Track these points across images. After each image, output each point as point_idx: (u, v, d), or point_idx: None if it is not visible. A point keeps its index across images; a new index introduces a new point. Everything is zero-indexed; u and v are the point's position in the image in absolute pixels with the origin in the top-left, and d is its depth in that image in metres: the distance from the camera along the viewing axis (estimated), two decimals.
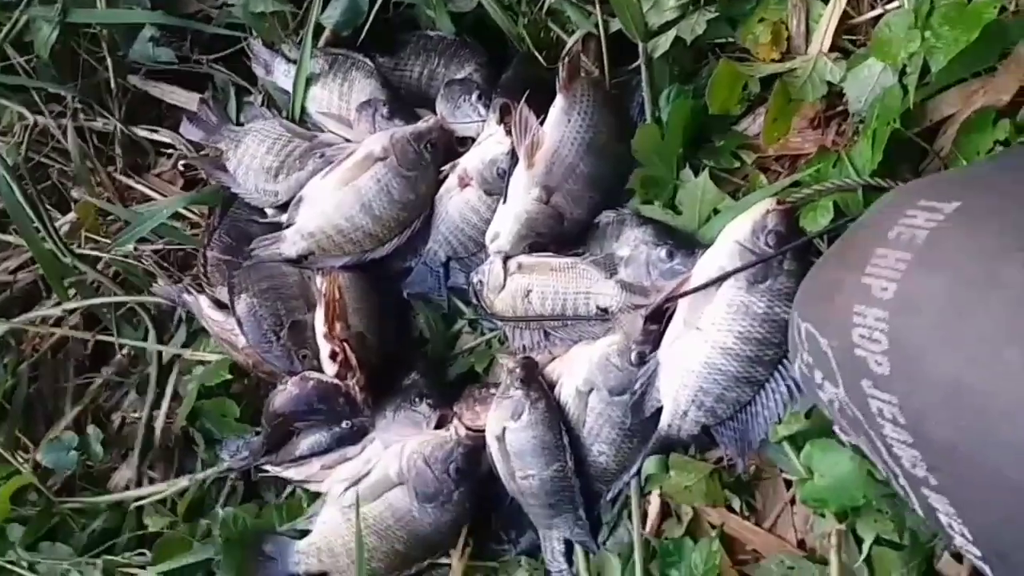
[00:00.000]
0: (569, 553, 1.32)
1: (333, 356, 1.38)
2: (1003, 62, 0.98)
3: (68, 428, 1.71)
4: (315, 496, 1.49)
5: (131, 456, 1.66)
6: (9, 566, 1.56)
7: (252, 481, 1.57)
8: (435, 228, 1.46)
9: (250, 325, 1.44)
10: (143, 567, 1.52)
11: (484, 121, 1.42)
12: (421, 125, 1.45)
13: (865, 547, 1.09)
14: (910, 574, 1.07)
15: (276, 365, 1.44)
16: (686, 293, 1.15)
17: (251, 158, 1.51)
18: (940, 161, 1.02)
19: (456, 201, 1.43)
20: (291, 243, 1.45)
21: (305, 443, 1.46)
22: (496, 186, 1.37)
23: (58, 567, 1.56)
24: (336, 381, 1.39)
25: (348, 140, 1.50)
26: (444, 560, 1.39)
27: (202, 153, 1.65)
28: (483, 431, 1.34)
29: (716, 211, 1.20)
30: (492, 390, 1.35)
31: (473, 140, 1.45)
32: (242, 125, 1.58)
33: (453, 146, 1.47)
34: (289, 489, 1.55)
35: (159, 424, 1.66)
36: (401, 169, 1.42)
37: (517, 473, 1.29)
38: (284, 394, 1.42)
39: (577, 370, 1.28)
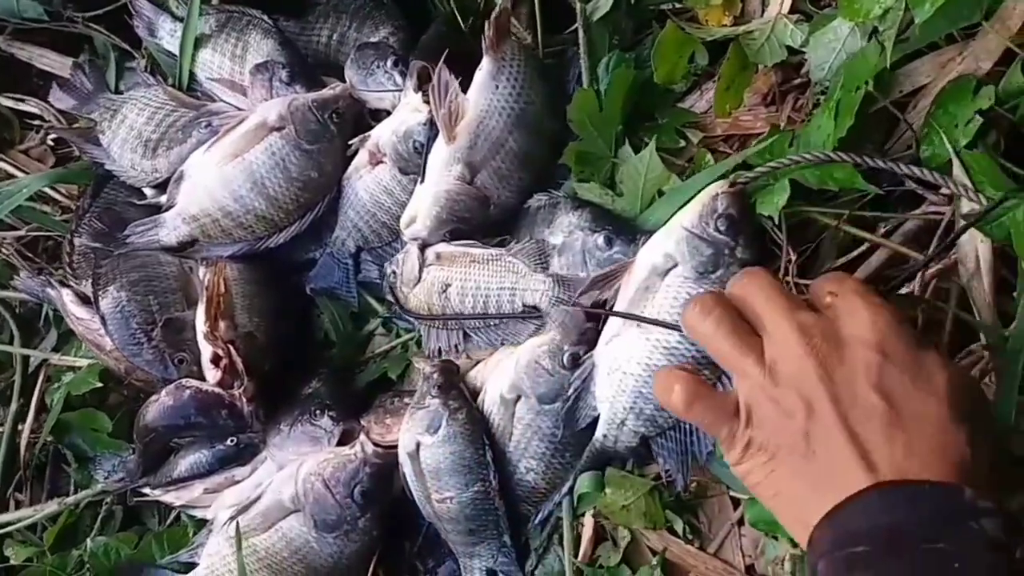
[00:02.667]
0: None
1: (216, 360, 1.25)
2: (986, 23, 0.92)
3: None
4: (201, 523, 1.37)
5: None
6: None
7: (131, 506, 1.45)
8: (342, 213, 1.34)
9: (116, 323, 1.31)
10: None
11: (400, 91, 1.31)
12: (326, 92, 1.34)
13: None
14: None
15: (148, 370, 1.31)
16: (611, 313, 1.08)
17: (128, 130, 1.39)
18: (913, 134, 0.95)
19: (367, 181, 1.32)
20: (171, 228, 1.33)
21: (184, 463, 1.34)
22: (412, 163, 1.26)
23: None
24: (219, 390, 1.27)
25: (241, 110, 1.37)
26: None
27: (74, 126, 1.51)
28: (394, 447, 1.23)
29: (660, 193, 1.11)
30: (406, 399, 1.25)
31: (388, 113, 1.33)
32: (121, 93, 1.45)
33: (364, 118, 1.36)
34: (173, 515, 1.43)
35: (24, 440, 1.52)
36: (301, 142, 1.30)
37: (433, 495, 1.19)
38: (157, 405, 1.30)
39: (502, 375, 1.18)
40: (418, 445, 1.20)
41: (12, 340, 1.55)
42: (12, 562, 1.46)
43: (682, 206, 1.05)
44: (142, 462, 1.36)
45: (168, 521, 1.45)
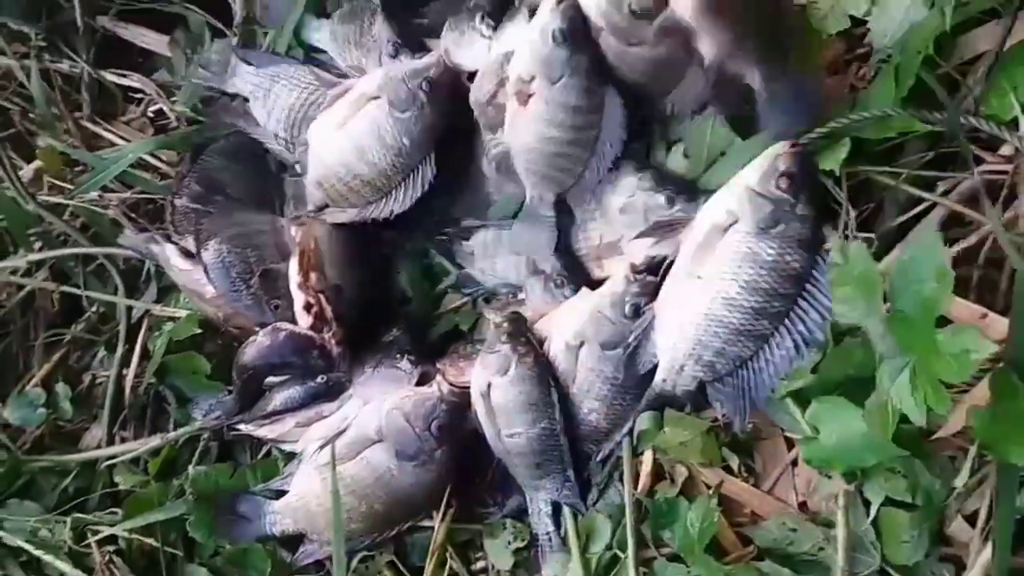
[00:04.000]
0: (557, 515, 1.17)
1: (307, 307, 1.21)
2: None
3: (36, 386, 1.52)
4: (291, 456, 1.32)
5: (101, 415, 1.48)
6: None
7: (226, 441, 1.40)
8: (522, 170, 1.15)
9: (217, 272, 1.26)
10: (113, 525, 1.34)
11: (490, 41, 1.18)
12: (419, 61, 1.23)
13: (873, 509, 0.96)
14: (920, 537, 0.93)
15: (246, 315, 1.27)
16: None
17: (281, 109, 1.31)
18: (973, 98, 0.87)
19: (527, 119, 1.10)
20: (310, 194, 1.27)
21: (278, 399, 1.29)
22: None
23: (26, 524, 1.38)
24: (310, 333, 1.22)
25: None
26: (427, 522, 1.23)
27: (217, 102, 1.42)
28: (467, 388, 1.18)
29: (723, 154, 1.03)
30: (478, 346, 1.19)
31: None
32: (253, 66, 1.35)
33: (460, 84, 1.23)
34: (265, 449, 1.39)
35: (129, 382, 1.47)
36: (393, 110, 1.21)
37: (503, 431, 1.14)
38: (255, 346, 1.25)
39: (567, 324, 1.12)
40: (489, 385, 1.14)
41: (117, 292, 1.49)
42: (122, 487, 1.42)
43: (744, 166, 0.97)
44: (240, 398, 1.31)
45: (260, 455, 1.40)
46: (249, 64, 1.34)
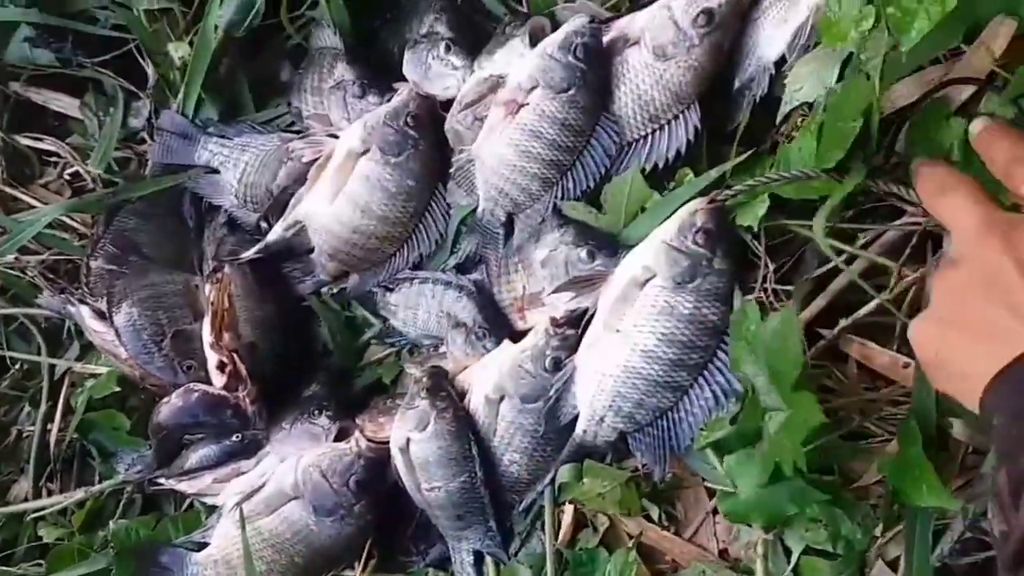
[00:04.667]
0: (479, 565, 0.94)
1: (221, 367, 0.96)
2: (967, 46, 0.66)
3: None
4: (212, 509, 1.07)
5: (28, 469, 1.20)
6: None
7: (149, 494, 1.13)
8: (482, 183, 0.93)
9: (129, 335, 1.00)
10: None
11: (461, 71, 0.95)
12: (395, 101, 0.97)
13: (794, 557, 0.77)
14: None
15: (160, 376, 1.01)
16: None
17: (248, 176, 1.04)
18: (894, 152, 0.68)
19: (508, 134, 0.88)
20: (321, 268, 1.03)
21: (195, 456, 1.04)
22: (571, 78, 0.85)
23: None
24: (224, 393, 0.98)
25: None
26: (348, 573, 1.00)
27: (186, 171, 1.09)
28: (386, 443, 0.95)
29: (643, 209, 0.83)
30: (398, 401, 0.96)
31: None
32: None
33: (437, 111, 0.99)
34: (187, 502, 1.13)
35: (53, 437, 1.19)
36: (387, 157, 0.96)
37: (423, 485, 0.92)
38: (168, 406, 1.00)
39: (487, 377, 0.91)
40: (408, 441, 0.92)
41: (40, 351, 1.21)
42: (45, 540, 1.16)
43: (663, 221, 0.77)
44: (157, 456, 1.07)
45: (183, 508, 1.14)
46: (216, 136, 1.07)
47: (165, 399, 1.00)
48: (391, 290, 1.03)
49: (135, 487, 1.14)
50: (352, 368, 1.07)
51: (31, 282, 1.17)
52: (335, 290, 1.06)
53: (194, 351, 0.99)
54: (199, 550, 1.03)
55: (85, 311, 1.06)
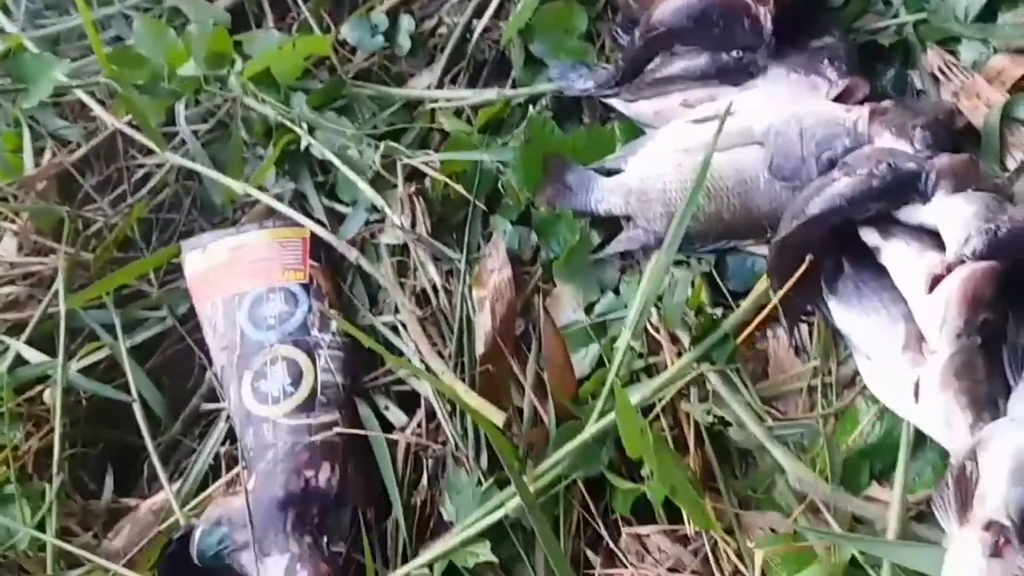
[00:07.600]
0: None
1: None
2: None
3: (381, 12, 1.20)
4: (631, 132, 0.98)
5: (439, 58, 1.16)
6: (289, 124, 1.10)
7: (558, 114, 1.04)
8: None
9: None
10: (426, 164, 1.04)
11: None
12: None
13: None
14: None
15: None
16: None
17: None
18: None
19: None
20: None
21: (678, 65, 0.92)
22: None
23: (336, 140, 1.10)
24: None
25: None
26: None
27: None
28: None
29: None
30: None
31: None
32: None
33: None
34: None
35: (476, 34, 1.14)
36: None
37: None
38: (671, 2, 0.88)
39: None
40: None
41: None
42: (445, 128, 1.11)
43: None
44: (630, 63, 0.95)
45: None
46: None
47: None
48: None
49: (549, 103, 1.05)
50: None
51: None
52: None
53: None
54: (607, 175, 0.94)
55: None
